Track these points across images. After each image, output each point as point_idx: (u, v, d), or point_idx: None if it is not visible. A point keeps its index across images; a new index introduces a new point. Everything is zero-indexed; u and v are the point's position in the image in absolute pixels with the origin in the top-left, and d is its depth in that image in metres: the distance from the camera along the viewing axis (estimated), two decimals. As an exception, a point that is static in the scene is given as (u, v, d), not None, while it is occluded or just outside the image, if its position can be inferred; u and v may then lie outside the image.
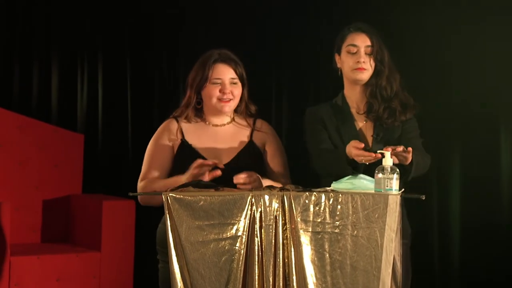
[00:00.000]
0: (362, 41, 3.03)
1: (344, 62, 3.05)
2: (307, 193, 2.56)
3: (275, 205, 2.56)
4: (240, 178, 2.80)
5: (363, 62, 3.01)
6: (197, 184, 2.72)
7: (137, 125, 5.16)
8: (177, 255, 2.57)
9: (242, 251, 2.55)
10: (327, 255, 2.54)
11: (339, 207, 2.54)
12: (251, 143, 3.07)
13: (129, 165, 5.15)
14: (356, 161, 2.83)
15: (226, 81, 3.01)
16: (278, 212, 2.56)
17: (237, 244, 2.55)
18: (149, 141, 5.04)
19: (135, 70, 5.20)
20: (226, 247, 2.56)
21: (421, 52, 4.19)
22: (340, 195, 2.55)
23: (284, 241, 2.56)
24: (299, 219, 2.55)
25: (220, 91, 3.00)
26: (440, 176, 4.17)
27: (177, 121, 3.10)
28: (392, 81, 3.04)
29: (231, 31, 4.80)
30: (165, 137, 3.09)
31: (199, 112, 3.09)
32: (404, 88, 3.10)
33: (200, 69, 3.03)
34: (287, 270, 2.55)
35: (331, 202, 2.55)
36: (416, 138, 3.08)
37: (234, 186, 2.78)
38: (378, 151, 2.68)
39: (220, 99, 3.01)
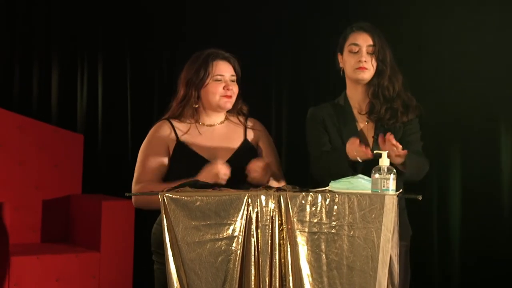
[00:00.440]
0: (364, 40, 3.02)
1: (346, 61, 3.04)
2: (303, 194, 2.55)
3: (272, 205, 2.56)
4: (257, 166, 2.84)
5: (365, 61, 3.00)
6: (194, 184, 2.71)
7: (137, 126, 5.17)
8: (173, 256, 2.57)
9: (239, 251, 2.54)
10: (324, 255, 2.53)
11: (335, 207, 2.53)
12: (245, 142, 3.06)
13: (129, 165, 5.13)
14: (355, 162, 2.82)
15: (227, 77, 3.01)
16: (274, 213, 2.55)
17: (234, 245, 2.55)
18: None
19: (135, 70, 5.21)
20: (223, 248, 2.55)
21: (420, 52, 4.18)
22: (337, 196, 2.54)
23: (281, 242, 2.55)
24: (295, 220, 2.54)
25: (223, 87, 2.99)
26: (440, 177, 4.17)
27: (170, 122, 3.07)
28: (394, 81, 3.03)
29: (231, 31, 4.80)
30: (159, 138, 3.05)
31: (194, 111, 3.05)
32: (407, 88, 3.08)
33: (202, 66, 2.99)
34: (283, 271, 2.54)
35: (327, 202, 2.54)
36: (416, 142, 3.05)
37: (232, 186, 2.77)
38: (375, 151, 2.67)
39: (223, 96, 3.00)
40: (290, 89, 4.76)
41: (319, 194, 2.55)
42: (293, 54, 4.70)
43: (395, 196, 2.54)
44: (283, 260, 2.55)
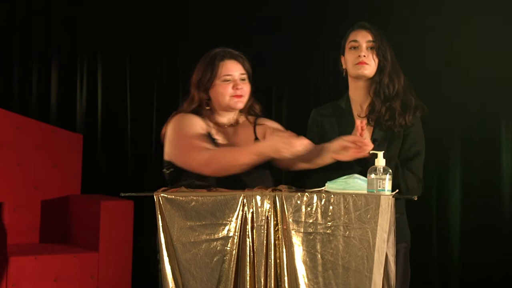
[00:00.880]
0: (363, 37, 3.02)
1: (347, 59, 3.04)
2: (299, 194, 2.55)
3: (267, 205, 2.55)
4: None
5: (364, 56, 2.99)
6: (190, 184, 2.71)
7: (136, 126, 5.17)
8: (168, 256, 2.57)
9: (234, 251, 2.54)
10: (319, 255, 2.52)
11: (331, 207, 2.53)
12: (256, 141, 2.99)
13: (128, 165, 5.15)
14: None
15: (236, 77, 2.93)
16: (269, 213, 2.55)
17: (229, 245, 2.55)
18: (147, 141, 5.09)
19: (135, 70, 5.21)
20: (218, 248, 2.55)
21: (419, 52, 4.18)
22: (332, 196, 2.53)
23: (276, 242, 2.55)
24: (291, 220, 2.54)
25: (232, 87, 2.92)
26: (440, 177, 4.16)
27: (197, 115, 2.94)
28: (394, 79, 3.01)
29: (231, 32, 4.80)
30: (197, 119, 2.91)
31: (208, 112, 2.97)
32: (410, 89, 3.06)
33: (208, 67, 2.94)
34: (278, 271, 2.54)
35: (323, 202, 2.54)
36: (413, 160, 2.97)
37: (229, 186, 2.76)
38: (371, 151, 2.67)
39: (233, 96, 2.92)
40: (290, 90, 4.75)
41: (315, 195, 2.54)
42: (293, 54, 4.70)
43: (390, 197, 2.53)
44: (278, 261, 2.55)
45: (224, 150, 2.83)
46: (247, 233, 2.54)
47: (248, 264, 2.53)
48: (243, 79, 2.95)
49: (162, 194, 2.58)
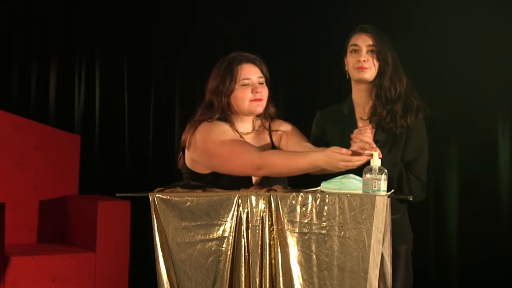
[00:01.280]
0: (363, 41, 3.01)
1: (348, 62, 3.04)
2: (294, 194, 2.54)
3: (262, 206, 2.55)
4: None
5: (364, 60, 2.98)
6: (185, 185, 2.71)
7: (134, 126, 5.17)
8: (163, 256, 2.57)
9: (229, 252, 2.54)
10: (314, 256, 2.52)
11: (326, 208, 2.53)
12: (273, 147, 2.96)
13: (126, 166, 5.15)
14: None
15: (254, 80, 2.89)
16: (264, 213, 2.55)
17: (224, 245, 2.55)
18: (145, 142, 5.09)
19: (133, 71, 5.21)
20: (213, 248, 2.55)
21: (418, 53, 4.17)
22: (327, 196, 2.53)
23: (271, 242, 2.54)
24: (285, 220, 2.54)
25: (252, 91, 2.87)
26: (437, 178, 4.15)
27: (226, 122, 2.90)
28: (395, 82, 3.00)
29: (229, 32, 4.79)
30: (227, 125, 2.87)
31: (224, 117, 2.91)
32: (413, 91, 3.05)
33: (227, 72, 2.88)
34: (273, 271, 2.54)
35: (318, 203, 2.53)
36: (414, 161, 2.96)
37: (227, 187, 2.75)
38: (366, 152, 2.66)
39: (252, 100, 2.87)
40: (287, 90, 4.75)
41: (310, 195, 2.54)
42: (291, 57, 4.69)
43: (386, 197, 2.53)
44: (273, 261, 2.55)
45: (278, 153, 2.79)
46: (242, 233, 2.54)
47: (243, 264, 2.53)
48: (261, 83, 2.91)
49: (157, 195, 2.58)
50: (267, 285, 2.53)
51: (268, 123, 3.00)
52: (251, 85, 2.87)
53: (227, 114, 2.89)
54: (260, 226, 2.54)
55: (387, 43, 3.02)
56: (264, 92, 2.90)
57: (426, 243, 4.19)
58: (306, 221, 2.53)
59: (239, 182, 2.75)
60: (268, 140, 2.97)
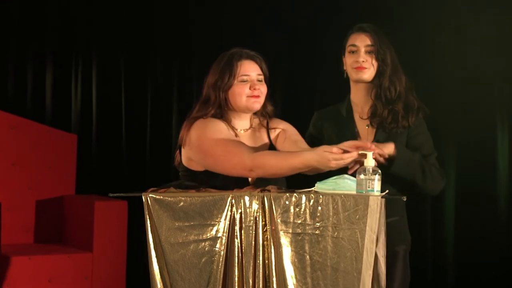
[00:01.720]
0: (361, 41, 3.00)
1: (347, 62, 3.04)
2: (287, 194, 2.54)
3: (255, 206, 2.54)
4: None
5: (362, 61, 2.98)
6: (179, 185, 2.70)
7: (131, 126, 5.16)
8: (156, 256, 2.57)
9: (222, 252, 2.53)
10: (308, 256, 2.51)
11: (319, 208, 2.52)
12: (271, 146, 2.95)
13: (123, 165, 5.15)
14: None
15: (253, 77, 2.88)
16: (258, 213, 2.54)
17: (217, 245, 2.54)
18: (142, 142, 5.09)
19: (130, 70, 5.20)
20: (206, 248, 2.54)
21: (415, 52, 4.16)
22: (321, 196, 2.52)
23: (264, 243, 2.54)
24: (279, 220, 2.53)
25: (250, 87, 2.86)
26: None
27: (221, 120, 2.89)
28: (395, 81, 2.99)
29: (228, 32, 4.79)
30: (222, 123, 2.86)
31: (225, 114, 2.91)
32: (412, 90, 3.04)
33: (226, 67, 2.87)
34: (267, 272, 2.53)
35: (311, 203, 2.53)
36: (429, 158, 2.98)
37: (223, 187, 2.74)
38: (360, 152, 2.66)
39: (250, 96, 2.86)
40: (290, 91, 4.74)
41: (303, 195, 2.53)
42: (293, 56, 4.68)
43: (379, 197, 2.52)
44: (267, 261, 2.54)
45: (270, 154, 2.78)
46: (235, 233, 2.53)
47: (236, 264, 2.52)
48: (260, 80, 2.90)
49: (150, 195, 2.57)
50: (261, 285, 2.52)
51: (266, 121, 2.99)
52: (249, 81, 2.87)
53: (224, 111, 2.88)
54: (254, 226, 2.53)
55: (385, 42, 3.01)
56: (262, 89, 2.90)
57: (424, 244, 4.18)
58: (299, 221, 2.53)
59: (236, 182, 2.74)
60: (265, 138, 2.96)
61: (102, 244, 4.41)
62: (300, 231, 2.53)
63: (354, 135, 3.01)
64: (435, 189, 2.99)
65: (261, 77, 2.91)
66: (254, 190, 2.58)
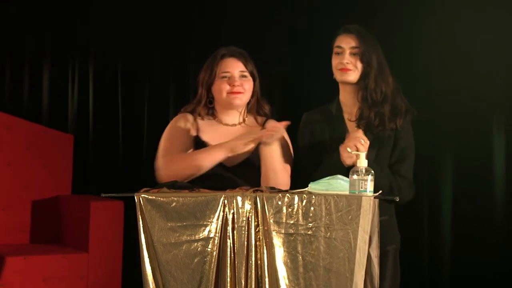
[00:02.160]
0: (347, 43, 3.00)
1: (333, 64, 3.04)
2: (280, 195, 2.54)
3: (248, 206, 2.55)
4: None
5: (346, 63, 2.98)
6: (172, 185, 2.70)
7: (127, 126, 5.16)
8: (149, 257, 2.57)
9: (215, 252, 2.53)
10: (300, 257, 2.51)
11: (312, 208, 2.52)
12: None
13: (119, 165, 5.14)
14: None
15: (235, 74, 2.96)
16: (250, 214, 2.54)
17: (210, 246, 2.54)
18: (138, 142, 5.08)
19: (127, 71, 5.20)
20: (199, 249, 2.54)
21: (412, 52, 4.16)
22: (313, 197, 2.52)
23: (257, 243, 2.54)
24: (271, 221, 2.53)
25: (229, 84, 2.95)
26: (431, 178, 4.14)
27: (193, 115, 3.04)
28: (381, 83, 2.98)
29: (226, 32, 4.78)
30: (183, 124, 3.02)
31: (211, 110, 3.04)
32: (399, 92, 3.04)
33: (210, 65, 2.99)
34: (259, 272, 2.53)
35: (304, 203, 2.53)
36: (402, 162, 2.97)
37: (214, 188, 2.74)
38: (353, 152, 2.66)
39: (230, 92, 2.95)
40: (282, 93, 4.74)
41: (296, 195, 2.54)
42: (285, 58, 4.68)
43: (372, 198, 2.52)
44: (259, 262, 2.54)
45: (181, 155, 2.93)
46: (228, 234, 2.53)
47: (228, 265, 2.52)
48: (244, 76, 2.98)
49: (142, 195, 2.58)
50: (253, 286, 2.52)
51: (263, 120, 3.03)
52: (230, 78, 2.96)
53: (208, 107, 3.03)
54: (246, 227, 2.54)
55: (372, 45, 3.00)
56: (245, 86, 2.97)
57: (419, 243, 4.18)
58: (292, 222, 2.53)
59: (229, 182, 2.78)
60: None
61: (98, 244, 4.40)
62: (292, 231, 2.53)
63: (343, 136, 3.00)
64: (403, 199, 2.91)
65: (246, 74, 2.98)
66: (247, 190, 2.58)
